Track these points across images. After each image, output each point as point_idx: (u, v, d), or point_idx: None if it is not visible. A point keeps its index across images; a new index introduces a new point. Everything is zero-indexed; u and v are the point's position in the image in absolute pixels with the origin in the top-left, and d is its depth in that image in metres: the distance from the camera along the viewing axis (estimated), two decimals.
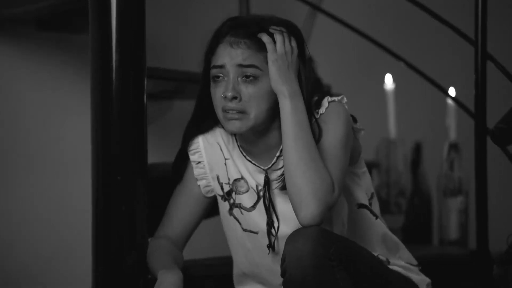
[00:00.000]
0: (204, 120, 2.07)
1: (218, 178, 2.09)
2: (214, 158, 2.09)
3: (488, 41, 2.43)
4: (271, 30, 1.94)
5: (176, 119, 2.88)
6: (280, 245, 2.01)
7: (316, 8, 3.16)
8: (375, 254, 2.04)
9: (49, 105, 2.82)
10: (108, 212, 2.05)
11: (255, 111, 1.93)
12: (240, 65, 1.92)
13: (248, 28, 1.94)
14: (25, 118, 2.78)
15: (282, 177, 1.96)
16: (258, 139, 2.00)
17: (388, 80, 3.32)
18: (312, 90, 2.00)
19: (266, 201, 2.01)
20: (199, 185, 2.11)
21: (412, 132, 3.48)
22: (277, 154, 2.00)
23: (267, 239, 2.02)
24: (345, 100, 2.00)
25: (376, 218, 2.07)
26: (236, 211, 2.07)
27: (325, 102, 1.97)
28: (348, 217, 2.03)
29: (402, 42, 3.31)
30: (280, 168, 1.99)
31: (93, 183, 2.07)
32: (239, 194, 2.06)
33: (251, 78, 1.93)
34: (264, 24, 1.96)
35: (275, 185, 2.01)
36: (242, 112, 1.92)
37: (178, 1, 3.08)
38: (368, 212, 2.06)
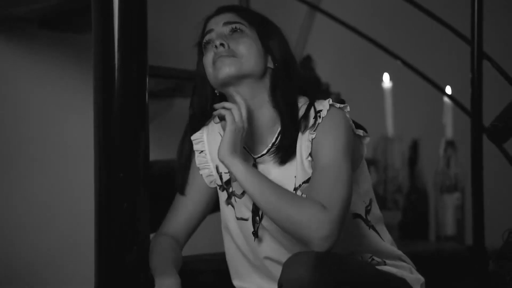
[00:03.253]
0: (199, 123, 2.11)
1: (217, 168, 2.10)
2: (214, 148, 2.09)
3: (484, 40, 2.46)
4: (227, 106, 1.96)
5: (177, 116, 2.90)
6: (264, 233, 2.03)
7: (315, 7, 3.18)
8: (369, 257, 2.04)
9: (52, 103, 2.83)
10: (110, 209, 2.06)
11: (246, 56, 1.97)
12: (227, 22, 2.01)
13: (231, 5, 2.05)
14: (28, 116, 2.79)
15: (277, 152, 1.98)
16: (251, 113, 2.01)
17: (386, 79, 3.34)
18: (292, 102, 1.99)
19: None
20: (201, 174, 2.13)
21: (409, 129, 3.50)
22: (269, 146, 2.00)
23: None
24: (348, 109, 1.99)
25: (369, 228, 2.04)
26: (233, 199, 2.08)
27: (326, 104, 1.96)
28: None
29: (399, 41, 3.32)
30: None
31: (95, 180, 2.08)
32: (233, 181, 2.07)
33: (238, 31, 1.99)
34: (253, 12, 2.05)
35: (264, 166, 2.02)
36: (232, 56, 1.97)
37: (179, 0, 3.09)
38: (362, 221, 2.03)
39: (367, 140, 2.03)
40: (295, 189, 1.97)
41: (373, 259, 2.03)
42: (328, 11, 3.07)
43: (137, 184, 2.07)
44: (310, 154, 1.94)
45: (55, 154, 2.83)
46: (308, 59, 2.98)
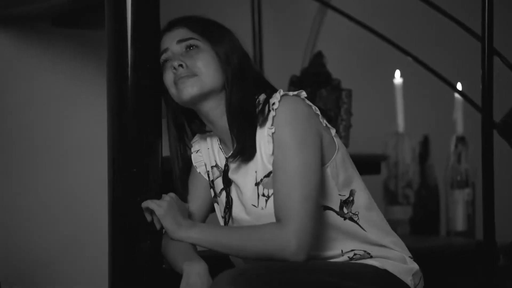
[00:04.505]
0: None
1: (205, 165, 2.15)
2: (204, 148, 2.15)
3: (494, 37, 2.47)
4: (145, 205, 2.03)
5: None
6: None
7: (326, 4, 3.20)
8: (350, 250, 2.02)
9: (66, 99, 2.84)
10: (123, 204, 2.08)
11: (205, 72, 1.99)
12: (180, 41, 2.03)
13: (180, 18, 2.08)
14: (42, 112, 2.80)
15: (238, 157, 2.01)
16: (216, 120, 2.04)
17: (397, 75, 3.35)
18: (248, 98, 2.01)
19: (226, 189, 2.08)
20: (199, 173, 2.16)
21: (420, 125, 3.50)
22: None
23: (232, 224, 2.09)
24: (304, 94, 1.99)
25: (345, 219, 2.01)
26: (217, 197, 2.13)
27: (278, 96, 1.97)
28: None
29: (410, 37, 3.32)
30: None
31: (109, 175, 2.09)
32: (215, 180, 2.11)
33: (192, 48, 2.02)
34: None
35: (234, 170, 2.05)
36: (192, 75, 2.00)
37: None
38: (334, 213, 2.01)
39: (332, 131, 2.02)
40: (257, 184, 2.00)
41: (355, 254, 2.02)
42: (339, 7, 3.08)
43: (150, 179, 2.09)
44: (273, 151, 1.96)
45: (67, 151, 2.84)
46: (319, 55, 2.98)
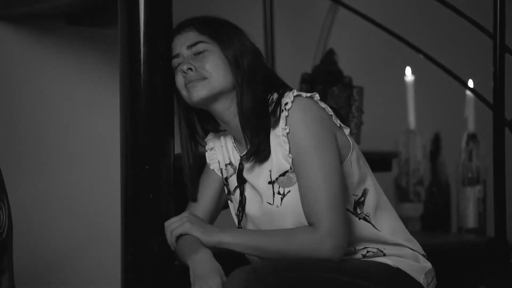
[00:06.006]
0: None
1: (219, 163, 2.16)
2: (218, 146, 2.17)
3: (506, 34, 2.47)
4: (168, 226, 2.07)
5: None
6: (249, 227, 2.10)
7: (337, 1, 3.20)
8: (363, 247, 2.04)
9: (79, 97, 2.84)
10: (136, 201, 2.09)
11: (214, 75, 2.02)
12: (189, 46, 2.05)
13: (190, 20, 2.09)
14: (56, 110, 2.81)
15: (252, 158, 2.03)
16: (229, 120, 2.06)
17: (408, 72, 3.35)
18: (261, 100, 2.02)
19: (240, 187, 2.09)
20: (213, 169, 2.18)
21: (431, 122, 3.50)
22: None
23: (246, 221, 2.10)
24: (317, 97, 2.01)
25: (360, 219, 2.04)
26: (231, 195, 2.15)
27: (291, 96, 1.98)
28: None
29: (421, 34, 3.32)
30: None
31: (121, 172, 2.11)
32: (229, 177, 2.13)
33: (201, 52, 2.04)
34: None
35: (248, 169, 2.07)
36: (201, 78, 2.02)
37: None
38: (349, 213, 2.03)
39: (346, 131, 2.04)
40: (271, 182, 2.02)
41: (368, 251, 2.04)
42: (350, 5, 3.09)
43: (162, 176, 2.10)
44: (289, 151, 1.97)
45: (79, 150, 2.84)
46: (330, 53, 2.99)
